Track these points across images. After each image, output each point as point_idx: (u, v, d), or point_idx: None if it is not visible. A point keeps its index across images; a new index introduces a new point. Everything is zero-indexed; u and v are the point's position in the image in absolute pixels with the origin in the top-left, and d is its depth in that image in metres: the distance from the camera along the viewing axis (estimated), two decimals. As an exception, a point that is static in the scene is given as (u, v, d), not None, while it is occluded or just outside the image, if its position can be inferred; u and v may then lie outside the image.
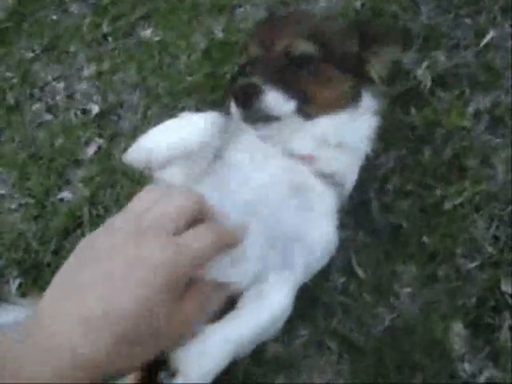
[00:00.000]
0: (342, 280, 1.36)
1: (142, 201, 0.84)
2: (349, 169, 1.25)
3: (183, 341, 0.87)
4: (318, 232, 1.15)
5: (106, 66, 1.93)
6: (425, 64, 1.56)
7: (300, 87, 1.12)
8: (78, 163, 1.77)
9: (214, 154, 1.13)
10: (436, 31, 1.62)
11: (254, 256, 1.05)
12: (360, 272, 1.37)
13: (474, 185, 1.40)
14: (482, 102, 1.49)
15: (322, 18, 1.33)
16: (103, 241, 0.78)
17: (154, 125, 1.66)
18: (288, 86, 1.10)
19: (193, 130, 1.06)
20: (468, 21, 1.61)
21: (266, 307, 1.05)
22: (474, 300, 1.28)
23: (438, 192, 1.41)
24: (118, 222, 0.83)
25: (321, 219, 1.16)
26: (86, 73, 1.96)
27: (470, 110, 1.49)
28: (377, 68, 1.22)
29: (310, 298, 1.27)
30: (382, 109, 1.26)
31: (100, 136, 1.78)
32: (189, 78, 1.77)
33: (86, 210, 1.65)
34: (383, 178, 1.44)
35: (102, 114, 1.83)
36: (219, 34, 1.85)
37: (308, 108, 1.13)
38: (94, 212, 1.65)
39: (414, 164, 1.44)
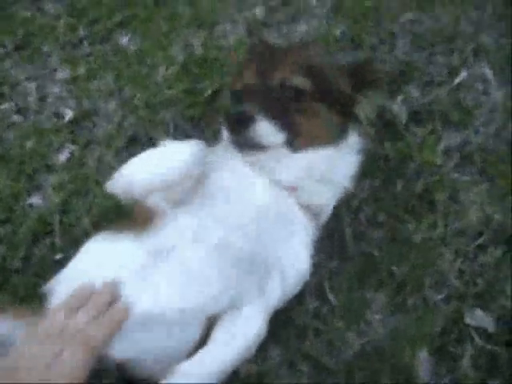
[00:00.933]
0: (315, 304, 1.40)
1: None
2: (328, 201, 1.30)
3: None
4: (296, 260, 1.19)
5: (81, 70, 1.91)
6: (400, 98, 1.63)
7: (290, 120, 1.15)
8: (49, 168, 1.74)
9: (198, 180, 1.15)
10: (411, 66, 1.70)
11: (229, 282, 1.11)
12: (332, 297, 1.42)
13: (442, 220, 1.49)
14: (453, 139, 1.58)
15: (317, 53, 1.36)
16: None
17: (129, 136, 1.72)
18: (279, 118, 1.13)
19: (174, 161, 1.09)
20: (442, 59, 1.70)
21: (241, 335, 1.10)
22: (439, 330, 1.35)
23: (409, 224, 1.49)
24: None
25: (299, 248, 1.21)
26: (59, 75, 1.92)
27: (442, 146, 1.57)
28: (365, 110, 1.26)
29: (283, 320, 1.31)
30: (365, 148, 1.31)
31: (73, 142, 1.76)
32: (167, 92, 1.77)
33: (56, 217, 1.62)
34: (357, 207, 1.50)
35: (75, 120, 1.80)
36: (198, 49, 1.86)
37: (295, 141, 1.16)
38: (66, 220, 1.62)
39: (386, 195, 1.51)
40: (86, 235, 1.58)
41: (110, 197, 1.64)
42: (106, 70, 1.90)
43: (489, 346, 1.33)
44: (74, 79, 1.90)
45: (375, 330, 1.38)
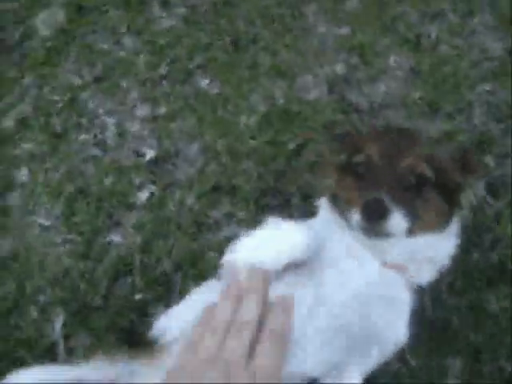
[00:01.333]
0: (396, 366, 1.48)
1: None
2: (429, 278, 1.33)
3: None
4: (395, 334, 1.23)
5: (162, 110, 1.93)
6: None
7: (414, 207, 1.18)
8: (129, 206, 1.76)
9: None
10: (488, 137, 1.77)
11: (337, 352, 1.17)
12: (411, 361, 1.49)
13: (517, 291, 1.57)
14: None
15: (432, 141, 1.44)
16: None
17: (212, 182, 1.75)
18: (407, 207, 1.15)
19: (288, 248, 1.09)
20: (517, 132, 1.79)
21: None
22: (514, 399, 1.45)
23: (485, 293, 1.56)
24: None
25: (400, 323, 1.24)
26: (139, 112, 1.94)
27: (516, 219, 1.66)
28: (468, 196, 1.32)
29: (367, 380, 1.32)
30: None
31: (153, 182, 1.79)
32: (250, 141, 1.82)
33: (137, 257, 1.66)
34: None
35: (156, 160, 1.83)
36: (280, 100, 1.91)
37: (413, 227, 1.18)
38: (146, 260, 1.66)
39: (463, 264, 1.57)
40: (166, 277, 1.65)
41: (191, 241, 1.72)
42: (187, 111, 1.92)
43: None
44: (154, 118, 1.92)
45: (454, 396, 1.47)
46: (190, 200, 1.74)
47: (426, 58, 2.00)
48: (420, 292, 1.39)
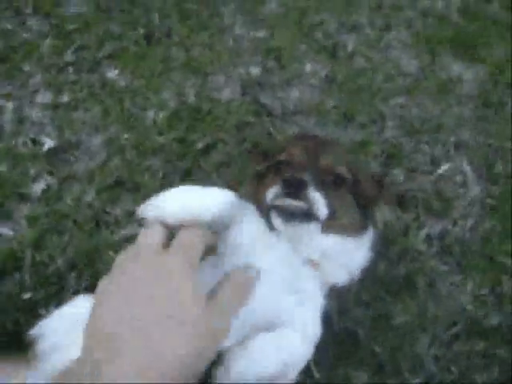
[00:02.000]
0: (298, 378, 1.42)
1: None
2: (339, 283, 1.33)
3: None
4: (309, 323, 1.17)
5: (65, 98, 1.80)
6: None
7: (331, 203, 1.17)
8: (22, 198, 1.61)
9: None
10: (398, 151, 1.77)
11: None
12: (315, 372, 1.44)
13: (421, 305, 1.56)
14: (435, 228, 1.66)
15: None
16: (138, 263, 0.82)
17: (114, 177, 1.65)
18: (326, 195, 1.15)
19: (214, 202, 1.05)
20: (427, 148, 1.80)
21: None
22: (417, 414, 1.43)
23: (390, 306, 1.55)
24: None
25: (312, 313, 1.18)
26: (40, 99, 1.80)
27: (423, 233, 1.65)
28: (382, 214, 1.33)
29: None
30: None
31: (51, 174, 1.65)
32: (157, 138, 1.73)
33: (28, 253, 1.51)
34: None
35: (55, 151, 1.70)
36: (191, 98, 1.83)
37: (330, 222, 1.17)
38: (37, 257, 1.51)
39: (370, 276, 1.55)
40: (59, 276, 1.52)
41: (88, 238, 1.60)
42: (91, 102, 1.81)
43: None
44: (56, 106, 1.79)
45: (356, 410, 1.43)
46: (89, 195, 1.62)
47: (342, 67, 2.00)
48: (326, 301, 1.38)
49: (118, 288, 0.79)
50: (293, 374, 1.10)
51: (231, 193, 1.10)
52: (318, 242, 1.18)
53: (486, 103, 1.93)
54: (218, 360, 1.02)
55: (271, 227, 1.18)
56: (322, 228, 1.16)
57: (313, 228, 1.16)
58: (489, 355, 1.50)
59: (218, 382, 1.00)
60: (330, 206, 1.15)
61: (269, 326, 1.12)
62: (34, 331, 1.15)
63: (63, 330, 1.12)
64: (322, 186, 1.15)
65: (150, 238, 0.90)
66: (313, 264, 1.21)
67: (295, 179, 1.14)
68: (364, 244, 1.29)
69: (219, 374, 1.01)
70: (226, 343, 1.07)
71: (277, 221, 1.15)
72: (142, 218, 1.07)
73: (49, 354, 1.09)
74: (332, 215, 1.16)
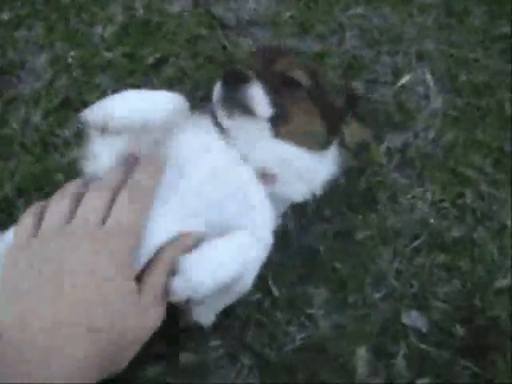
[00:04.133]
0: (258, 296, 1.40)
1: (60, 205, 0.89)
2: (298, 198, 1.27)
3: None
4: (259, 230, 1.15)
5: (5, 16, 1.69)
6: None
7: (282, 103, 1.14)
8: (-37, 122, 1.56)
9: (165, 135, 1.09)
10: (358, 62, 1.71)
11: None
12: (275, 290, 1.42)
13: (382, 219, 1.54)
14: (395, 141, 1.62)
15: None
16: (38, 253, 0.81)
17: (62, 97, 1.57)
18: (274, 96, 1.12)
19: (158, 104, 1.04)
20: (387, 59, 1.73)
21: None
22: (377, 328, 1.41)
23: (351, 221, 1.53)
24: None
25: (261, 221, 1.16)
26: None
27: (384, 146, 1.61)
28: (351, 133, 1.27)
29: (225, 311, 1.24)
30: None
31: (-6, 97, 1.60)
32: (105, 54, 1.63)
33: (-27, 182, 1.47)
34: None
35: (-3, 72, 1.64)
36: (140, 11, 1.73)
37: (281, 126, 1.14)
38: (-17, 186, 1.48)
39: (330, 190, 1.51)
40: (7, 202, 1.46)
41: (37, 162, 1.53)
42: (34, 19, 1.69)
43: (422, 346, 1.41)
44: (-4, 25, 1.71)
45: (316, 326, 1.41)
46: (35, 117, 1.54)
47: (299, -25, 1.92)
48: (284, 217, 1.34)
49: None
50: (249, 278, 1.10)
51: (181, 97, 1.09)
52: (270, 147, 1.16)
53: (450, 12, 1.85)
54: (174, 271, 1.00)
55: (222, 130, 1.16)
56: (273, 132, 1.14)
57: (260, 129, 1.14)
58: (450, 268, 1.49)
59: (177, 294, 0.97)
60: (278, 107, 1.12)
61: (218, 230, 1.09)
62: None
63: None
64: (269, 86, 1.12)
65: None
66: (270, 176, 1.18)
67: (236, 72, 1.12)
68: (327, 159, 1.26)
69: (177, 285, 0.97)
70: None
71: (221, 116, 1.14)
72: (85, 124, 1.02)
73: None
74: (284, 119, 1.14)
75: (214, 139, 1.16)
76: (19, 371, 0.67)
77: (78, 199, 0.89)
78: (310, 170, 1.21)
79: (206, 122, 1.18)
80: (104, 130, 1.00)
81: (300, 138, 1.17)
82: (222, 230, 1.08)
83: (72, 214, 0.85)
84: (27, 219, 0.88)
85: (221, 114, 1.15)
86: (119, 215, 0.84)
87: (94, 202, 0.86)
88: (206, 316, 1.18)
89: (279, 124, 1.14)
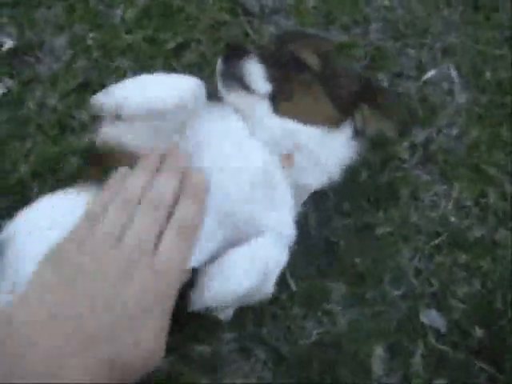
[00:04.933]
0: (275, 290, 1.38)
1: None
2: (315, 184, 1.23)
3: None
4: (282, 226, 1.14)
5: None
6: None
7: (285, 81, 1.13)
8: (-21, 101, 1.53)
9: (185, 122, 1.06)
10: (383, 54, 1.68)
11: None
12: (292, 284, 1.40)
13: (403, 215, 1.51)
14: (419, 136, 1.59)
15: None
16: (86, 255, 0.74)
17: (80, 79, 1.55)
18: (274, 72, 1.12)
19: (174, 89, 1.00)
20: (412, 52, 1.69)
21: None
22: (394, 325, 1.39)
23: (372, 216, 1.50)
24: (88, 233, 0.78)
25: (284, 216, 1.14)
26: None
27: (407, 141, 1.59)
28: (365, 121, 1.23)
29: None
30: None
31: (11, 76, 1.53)
32: (126, 37, 1.60)
33: (-12, 162, 1.45)
34: (322, 194, 1.46)
35: (15, 52, 1.56)
36: (162, -6, 1.72)
37: (283, 104, 1.12)
38: (-1, 165, 1.46)
39: (351, 184, 1.49)
40: (22, 184, 1.44)
41: (53, 144, 1.51)
42: (54, -1, 1.70)
43: (440, 346, 1.39)
44: (15, 3, 1.63)
45: (333, 321, 1.39)
46: (53, 98, 1.51)
47: (325, -35, 1.88)
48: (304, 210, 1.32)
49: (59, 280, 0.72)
50: (269, 285, 1.08)
51: (198, 81, 1.04)
52: (274, 123, 1.13)
53: (477, 7, 1.81)
54: (194, 282, 0.99)
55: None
56: (275, 108, 1.12)
57: (260, 104, 1.12)
58: (471, 268, 1.47)
59: (194, 306, 0.98)
60: (277, 84, 1.11)
61: (240, 235, 1.07)
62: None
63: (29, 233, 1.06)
64: (272, 63, 1.12)
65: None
66: (287, 158, 1.16)
67: (236, 46, 1.14)
68: (340, 139, 1.21)
69: (194, 297, 0.98)
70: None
71: (220, 87, 1.14)
72: (97, 109, 0.98)
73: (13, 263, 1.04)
74: (283, 96, 1.12)
75: (237, 127, 1.13)
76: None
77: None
78: (320, 148, 1.17)
79: (226, 109, 1.15)
80: (117, 117, 0.98)
81: (303, 116, 1.14)
82: (244, 228, 1.07)
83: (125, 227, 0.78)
84: (97, 207, 0.81)
85: (221, 89, 1.14)
86: (169, 251, 0.77)
87: (147, 222, 0.78)
88: (224, 313, 1.17)
89: (280, 100, 1.12)
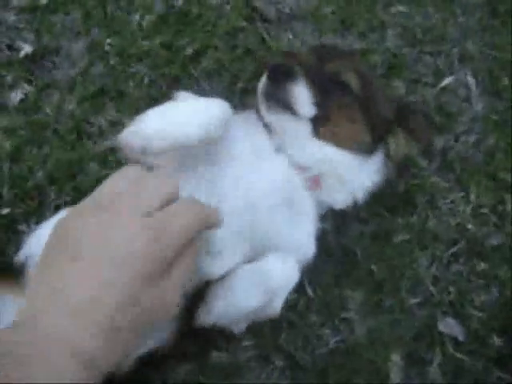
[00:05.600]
0: (292, 297, 1.37)
1: (115, 182, 0.83)
2: (340, 204, 1.23)
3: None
4: (302, 245, 1.15)
5: (43, 0, 1.64)
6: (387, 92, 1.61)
7: (326, 105, 1.12)
8: (-2, 107, 1.54)
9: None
10: (400, 61, 1.66)
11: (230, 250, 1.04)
12: (310, 291, 1.40)
13: (420, 222, 1.51)
14: (436, 143, 1.59)
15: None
16: (78, 228, 0.76)
17: (98, 85, 1.55)
18: (318, 95, 1.10)
19: (201, 124, 0.97)
20: (429, 59, 1.69)
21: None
22: (412, 334, 1.39)
23: (388, 223, 1.50)
24: (90, 206, 0.80)
25: (306, 235, 1.15)
26: (16, 1, 1.63)
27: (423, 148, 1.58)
28: (397, 146, 1.23)
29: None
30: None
31: (29, 82, 1.54)
32: (143, 43, 1.60)
33: (6, 166, 1.42)
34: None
35: (33, 57, 1.56)
36: (179, 1, 1.67)
37: (322, 127, 1.12)
38: (16, 170, 1.43)
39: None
40: (39, 190, 1.44)
41: (70, 150, 1.51)
42: (71, 4, 1.65)
43: (457, 355, 1.39)
44: (33, 8, 1.63)
45: (351, 329, 1.39)
46: (70, 104, 1.51)
47: (341, -30, 1.88)
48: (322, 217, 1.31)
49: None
50: (277, 304, 1.08)
51: (223, 103, 1.03)
52: (311, 146, 1.13)
53: (494, 13, 1.80)
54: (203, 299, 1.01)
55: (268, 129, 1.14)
56: (315, 132, 1.12)
57: (301, 127, 1.11)
58: (488, 276, 1.47)
59: (201, 322, 1.00)
60: (321, 108, 1.10)
61: (259, 251, 1.08)
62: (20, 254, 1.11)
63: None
64: (316, 86, 1.10)
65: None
66: (315, 181, 1.16)
67: (282, 67, 1.10)
68: (370, 166, 1.22)
69: (201, 314, 1.00)
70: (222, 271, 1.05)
71: (263, 108, 1.12)
72: (124, 149, 0.97)
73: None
74: (325, 120, 1.12)
75: (265, 144, 1.13)
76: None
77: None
78: (351, 173, 1.18)
79: (252, 121, 1.16)
80: (143, 152, 0.97)
81: (340, 141, 1.14)
82: (264, 244, 1.08)
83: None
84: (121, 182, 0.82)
85: (263, 109, 1.13)
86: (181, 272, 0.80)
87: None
88: (237, 327, 1.17)
89: (320, 124, 1.12)
